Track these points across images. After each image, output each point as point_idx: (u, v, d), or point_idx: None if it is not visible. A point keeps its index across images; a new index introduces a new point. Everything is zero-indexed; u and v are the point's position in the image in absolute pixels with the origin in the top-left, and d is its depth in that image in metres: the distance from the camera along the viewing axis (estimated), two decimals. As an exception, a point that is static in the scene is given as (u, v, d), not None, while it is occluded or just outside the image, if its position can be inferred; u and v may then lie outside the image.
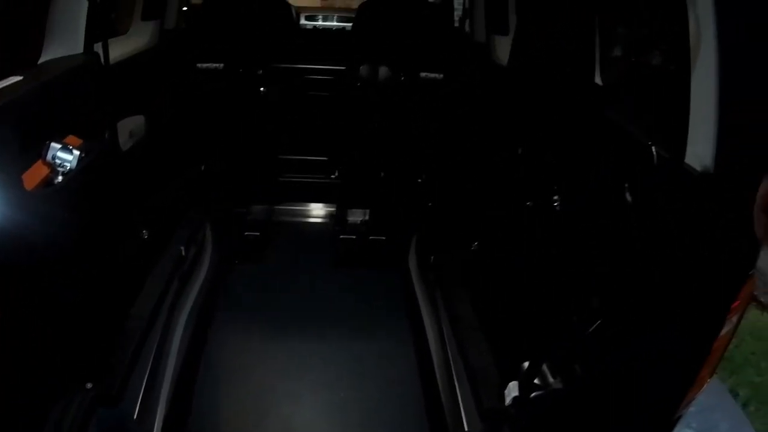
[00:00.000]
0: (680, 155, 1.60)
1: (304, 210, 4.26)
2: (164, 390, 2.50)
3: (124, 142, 2.76)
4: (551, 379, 2.14)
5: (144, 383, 2.42)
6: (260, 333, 3.10)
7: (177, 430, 2.51)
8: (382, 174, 4.01)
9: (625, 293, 1.82)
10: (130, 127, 2.85)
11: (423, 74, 3.79)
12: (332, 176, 4.12)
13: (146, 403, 2.39)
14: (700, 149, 1.55)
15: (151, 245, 3.00)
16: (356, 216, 4.10)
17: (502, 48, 3.43)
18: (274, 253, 3.83)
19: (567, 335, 2.04)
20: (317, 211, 4.26)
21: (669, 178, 1.64)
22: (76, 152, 2.08)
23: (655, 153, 1.70)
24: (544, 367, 2.17)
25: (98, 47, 2.44)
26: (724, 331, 1.49)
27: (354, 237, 3.92)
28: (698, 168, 1.54)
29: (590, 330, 1.92)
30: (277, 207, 4.19)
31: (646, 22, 2.39)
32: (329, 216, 4.22)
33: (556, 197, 2.37)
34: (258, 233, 3.90)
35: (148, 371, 2.46)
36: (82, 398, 2.14)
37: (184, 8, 3.97)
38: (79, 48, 2.39)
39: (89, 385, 2.22)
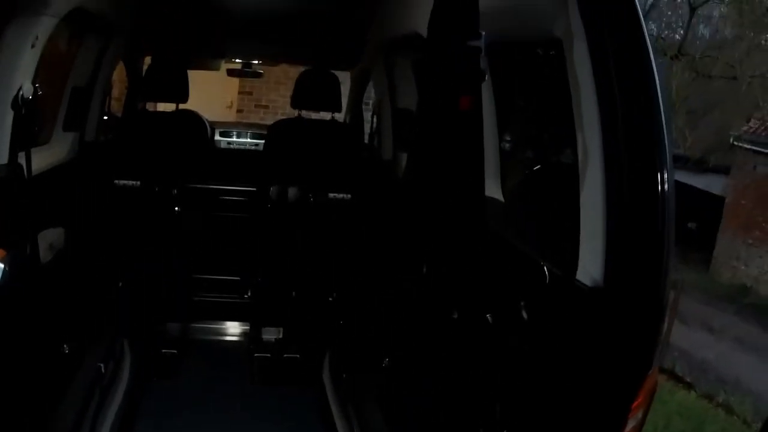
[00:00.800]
0: (572, 272, 1.73)
1: (219, 328, 4.25)
2: None
3: (44, 253, 2.73)
4: None
5: None
6: None
7: None
8: (294, 293, 4.06)
9: (528, 404, 1.92)
10: (50, 240, 2.81)
11: (331, 195, 3.93)
12: (245, 296, 4.13)
13: None
14: (590, 266, 1.68)
15: (70, 359, 2.91)
16: (270, 334, 4.12)
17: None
18: (191, 370, 3.77)
19: None
20: (232, 329, 4.27)
21: (561, 295, 1.77)
22: (1, 265, 2.04)
23: (547, 272, 1.85)
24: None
25: (21, 156, 2.44)
26: (629, 428, 1.60)
27: (269, 355, 3.91)
28: (589, 283, 1.67)
29: None
30: (192, 325, 4.16)
31: (539, 141, 2.61)
32: (243, 334, 4.22)
33: (455, 314, 2.49)
34: (175, 351, 3.85)
35: None
36: None
37: (104, 117, 4.00)
38: (3, 157, 2.39)
39: None
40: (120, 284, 3.80)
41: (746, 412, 7.88)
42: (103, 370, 3.07)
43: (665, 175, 1.53)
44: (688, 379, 8.62)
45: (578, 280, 1.71)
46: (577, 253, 1.73)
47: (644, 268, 1.54)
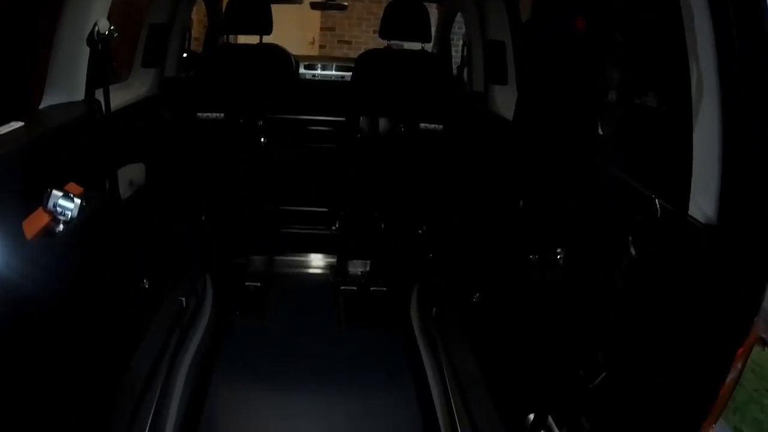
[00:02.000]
0: (684, 208, 1.59)
1: (305, 261, 4.19)
2: None
3: (124, 190, 2.72)
4: None
5: None
6: (260, 392, 2.97)
7: None
8: (383, 225, 3.96)
9: (630, 346, 1.78)
10: (130, 176, 2.81)
11: (422, 125, 3.77)
12: (333, 227, 4.06)
13: None
14: (703, 201, 1.54)
15: (151, 295, 2.91)
16: (357, 267, 4.05)
17: (501, 98, 3.43)
18: (275, 304, 3.74)
19: (572, 388, 1.99)
20: (318, 262, 4.20)
21: (673, 231, 1.62)
22: (78, 200, 2.01)
23: (658, 206, 1.69)
24: (550, 420, 2.11)
25: (99, 94, 2.41)
26: (729, 378, 1.46)
27: (355, 288, 3.86)
28: (702, 220, 1.53)
29: (595, 383, 1.88)
30: (277, 258, 4.12)
31: (647, 71, 2.38)
32: (330, 267, 4.15)
33: (559, 251, 2.33)
34: (258, 284, 3.83)
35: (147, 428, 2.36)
36: None
37: (185, 54, 3.94)
38: (80, 94, 2.37)
39: None
40: (203, 218, 3.77)
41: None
42: (184, 305, 3.07)
43: None
44: (763, 335, 8.10)
45: (691, 216, 1.56)
46: (688, 189, 1.58)
47: (761, 207, 1.40)
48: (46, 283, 1.90)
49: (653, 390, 1.68)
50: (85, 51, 2.32)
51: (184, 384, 2.73)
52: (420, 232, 3.98)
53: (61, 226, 1.97)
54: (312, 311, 3.68)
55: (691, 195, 1.57)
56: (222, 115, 3.67)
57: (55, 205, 1.97)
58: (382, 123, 3.78)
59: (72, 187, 2.11)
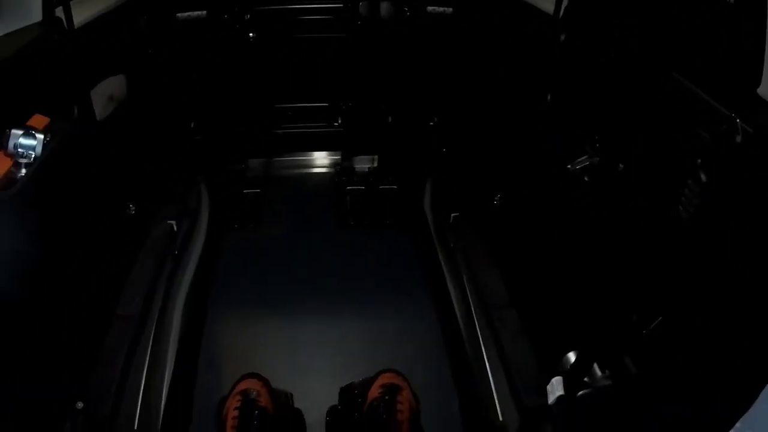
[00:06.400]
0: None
1: (306, 160, 3.90)
2: (163, 397, 2.25)
3: (104, 107, 2.44)
4: (600, 375, 1.89)
5: (141, 393, 2.18)
6: (263, 316, 2.83)
7: None
8: (390, 118, 3.66)
9: (695, 289, 1.55)
10: (109, 91, 2.52)
11: (430, 8, 3.38)
12: (335, 124, 3.76)
13: (144, 415, 2.14)
14: None
15: (139, 220, 2.70)
16: (364, 164, 3.80)
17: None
18: (276, 211, 3.51)
19: (621, 331, 1.78)
20: (320, 160, 3.91)
21: (754, 160, 1.36)
22: (40, 136, 1.76)
23: (740, 127, 1.40)
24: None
25: (60, 12, 2.11)
26: None
27: (362, 187, 3.62)
28: None
29: (650, 329, 1.68)
30: (276, 159, 3.85)
31: None
32: (334, 165, 3.87)
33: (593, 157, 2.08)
34: (257, 190, 3.60)
35: (143, 379, 2.22)
36: (73, 421, 1.89)
37: None
38: (36, 15, 2.04)
39: (80, 405, 1.97)
40: (192, 125, 3.49)
41: None
42: (175, 228, 2.86)
43: None
44: None
45: None
46: None
47: None
48: (17, 236, 1.71)
49: (717, 343, 1.48)
50: None
51: (181, 318, 2.56)
52: (431, 124, 3.67)
53: (24, 170, 1.73)
54: (316, 216, 3.46)
55: None
56: (204, 13, 3.27)
57: (15, 146, 1.73)
58: (384, 7, 3.38)
59: (37, 120, 1.85)
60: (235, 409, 2.05)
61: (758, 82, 1.40)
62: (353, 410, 2.18)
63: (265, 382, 2.18)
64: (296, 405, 2.31)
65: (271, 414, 2.10)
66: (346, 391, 2.27)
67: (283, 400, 2.24)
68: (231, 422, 2.03)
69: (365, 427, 2.09)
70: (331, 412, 2.27)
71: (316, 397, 2.38)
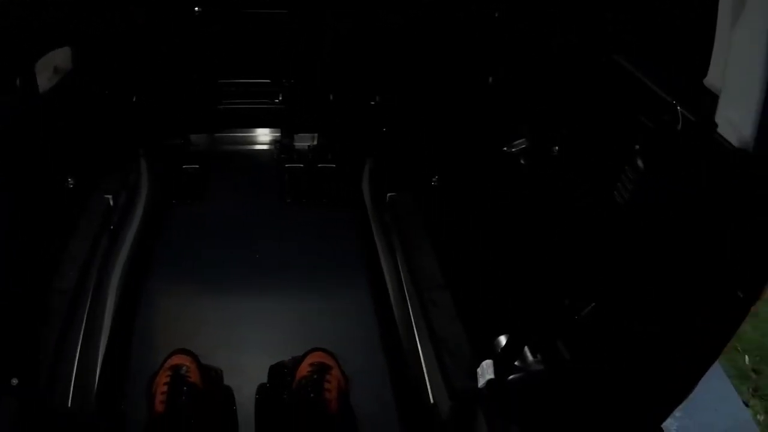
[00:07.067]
0: (710, 123, 1.30)
1: (247, 137, 3.84)
2: (97, 373, 2.23)
3: (49, 79, 2.39)
4: (531, 359, 1.90)
5: (75, 368, 2.13)
6: (198, 290, 2.77)
7: (114, 415, 2.24)
8: (331, 96, 3.62)
9: (629, 275, 1.56)
10: (54, 63, 2.47)
11: None
12: (276, 100, 3.70)
13: (78, 391, 2.10)
14: (738, 118, 1.25)
15: (78, 194, 2.63)
16: (304, 142, 3.74)
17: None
18: (216, 187, 3.45)
19: (553, 315, 1.79)
20: (262, 137, 3.85)
21: (693, 149, 1.35)
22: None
23: (681, 115, 1.39)
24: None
25: None
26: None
27: (301, 165, 3.58)
28: (734, 142, 1.25)
29: (582, 314, 1.67)
30: (218, 135, 3.77)
31: None
32: (274, 142, 3.82)
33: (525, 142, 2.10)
34: (197, 166, 3.52)
35: (77, 355, 2.16)
36: (7, 397, 1.83)
37: None
38: None
39: (14, 381, 1.90)
40: (134, 99, 3.42)
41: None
42: (111, 203, 2.77)
43: None
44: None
45: (720, 135, 1.28)
46: (715, 102, 1.30)
47: None
48: None
49: (653, 331, 1.49)
50: None
51: (117, 292, 2.53)
52: (373, 103, 3.64)
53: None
54: (255, 193, 3.41)
55: (722, 109, 1.30)
56: None
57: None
58: None
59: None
60: (165, 384, 2.05)
61: (704, 72, 1.41)
62: (282, 388, 2.17)
63: (195, 357, 2.16)
64: (227, 382, 2.29)
65: (201, 390, 2.09)
66: (275, 370, 2.26)
67: (212, 376, 2.22)
68: (160, 397, 2.02)
69: (293, 405, 2.09)
70: (261, 389, 2.26)
71: (247, 374, 2.34)
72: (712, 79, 1.40)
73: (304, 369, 2.12)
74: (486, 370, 1.98)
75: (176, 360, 2.15)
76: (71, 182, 2.62)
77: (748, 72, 1.22)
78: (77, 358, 2.17)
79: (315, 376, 2.08)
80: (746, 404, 3.38)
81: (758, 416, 3.41)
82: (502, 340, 2.00)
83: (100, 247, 2.58)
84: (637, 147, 1.48)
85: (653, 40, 1.67)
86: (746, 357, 3.69)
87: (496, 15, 2.50)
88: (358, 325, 2.68)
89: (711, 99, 1.34)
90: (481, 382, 1.97)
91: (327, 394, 2.05)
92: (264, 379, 2.29)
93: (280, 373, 2.24)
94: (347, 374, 2.19)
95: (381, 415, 2.35)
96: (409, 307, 2.48)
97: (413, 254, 2.63)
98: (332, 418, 2.04)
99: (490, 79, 2.57)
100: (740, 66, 1.26)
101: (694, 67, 1.44)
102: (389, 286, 2.68)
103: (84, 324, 2.27)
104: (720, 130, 1.29)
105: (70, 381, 2.11)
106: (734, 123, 1.26)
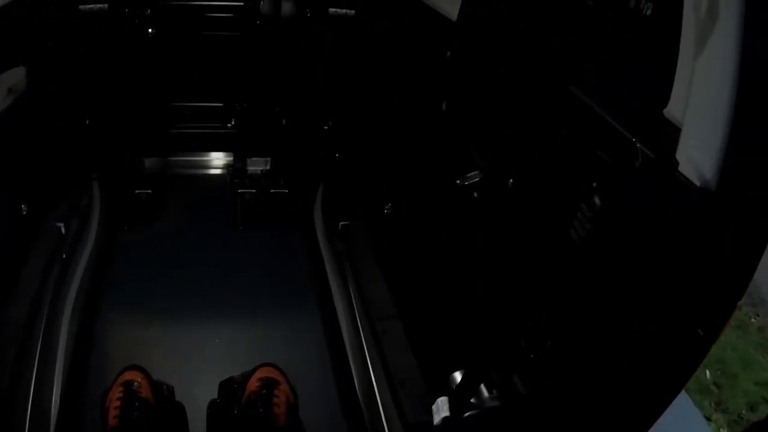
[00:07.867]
0: (672, 161, 1.30)
1: (200, 161, 3.88)
2: (53, 401, 2.27)
3: (2, 100, 2.44)
4: (487, 395, 1.92)
5: (30, 400, 2.15)
6: (151, 314, 2.80)
7: None
8: (284, 121, 3.71)
9: (584, 313, 1.57)
10: (8, 83, 2.51)
11: (332, 10, 3.42)
12: (229, 124, 3.77)
13: (35, 421, 2.13)
14: (701, 158, 1.25)
15: (30, 220, 2.65)
16: (257, 166, 3.80)
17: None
18: (168, 213, 3.47)
19: (509, 354, 1.80)
20: (215, 161, 3.90)
21: (654, 189, 1.35)
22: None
23: (641, 153, 1.40)
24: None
25: None
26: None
27: (254, 191, 3.63)
28: (696, 181, 1.26)
29: (539, 354, 1.70)
30: (171, 159, 3.79)
31: None
32: (227, 166, 3.86)
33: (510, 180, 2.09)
34: (150, 191, 3.53)
35: (33, 384, 2.19)
36: None
37: None
38: None
39: None
40: (87, 121, 3.42)
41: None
42: (63, 231, 2.80)
43: None
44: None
45: (681, 173, 1.28)
46: (676, 139, 1.31)
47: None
48: None
49: (609, 365, 1.49)
50: None
51: (69, 324, 2.54)
52: (326, 128, 3.73)
53: None
54: (208, 218, 3.45)
55: (683, 147, 1.29)
56: (106, 5, 3.23)
57: None
58: (286, 7, 3.39)
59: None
60: (118, 399, 2.10)
61: (665, 102, 1.40)
62: (232, 404, 2.24)
63: (146, 374, 2.22)
64: (178, 399, 2.33)
65: (153, 405, 2.15)
66: (225, 385, 2.32)
67: (164, 392, 2.28)
68: (113, 412, 2.07)
69: (243, 419, 2.15)
70: (212, 405, 2.31)
71: (198, 391, 2.40)
72: (673, 110, 1.38)
73: (253, 384, 2.19)
74: (441, 407, 1.97)
75: (128, 376, 2.20)
76: (24, 208, 2.64)
77: (710, 108, 1.22)
78: (32, 387, 2.20)
79: (264, 391, 2.15)
80: (708, 419, 3.45)
81: (721, 430, 3.50)
82: (457, 376, 2.01)
83: (51, 276, 2.59)
84: (595, 185, 1.49)
85: (611, 69, 1.68)
86: (707, 372, 3.79)
87: (448, 54, 2.60)
88: (309, 346, 2.74)
89: (671, 132, 1.34)
90: (437, 420, 1.96)
91: (276, 408, 2.12)
92: (214, 395, 2.34)
93: (230, 388, 2.29)
94: (295, 389, 2.26)
95: (329, 430, 2.44)
96: (362, 335, 2.52)
97: (365, 284, 2.68)
98: (281, 430, 2.11)
99: (444, 105, 2.64)
100: (702, 103, 1.26)
101: (653, 96, 1.43)
102: (341, 314, 2.73)
103: (38, 354, 2.29)
104: (681, 168, 1.29)
105: (26, 412, 2.13)
106: (695, 161, 1.25)
